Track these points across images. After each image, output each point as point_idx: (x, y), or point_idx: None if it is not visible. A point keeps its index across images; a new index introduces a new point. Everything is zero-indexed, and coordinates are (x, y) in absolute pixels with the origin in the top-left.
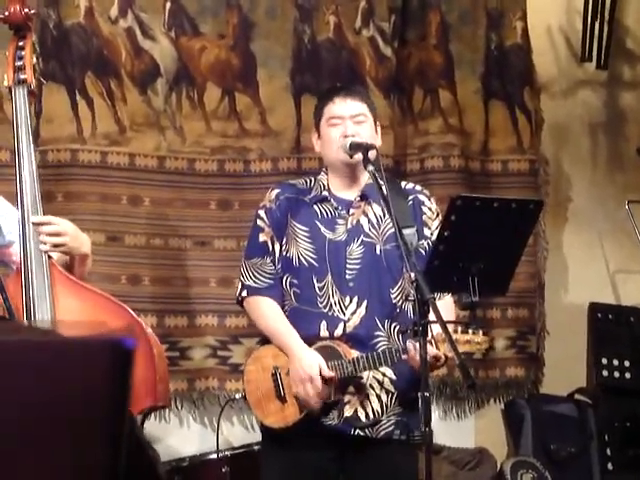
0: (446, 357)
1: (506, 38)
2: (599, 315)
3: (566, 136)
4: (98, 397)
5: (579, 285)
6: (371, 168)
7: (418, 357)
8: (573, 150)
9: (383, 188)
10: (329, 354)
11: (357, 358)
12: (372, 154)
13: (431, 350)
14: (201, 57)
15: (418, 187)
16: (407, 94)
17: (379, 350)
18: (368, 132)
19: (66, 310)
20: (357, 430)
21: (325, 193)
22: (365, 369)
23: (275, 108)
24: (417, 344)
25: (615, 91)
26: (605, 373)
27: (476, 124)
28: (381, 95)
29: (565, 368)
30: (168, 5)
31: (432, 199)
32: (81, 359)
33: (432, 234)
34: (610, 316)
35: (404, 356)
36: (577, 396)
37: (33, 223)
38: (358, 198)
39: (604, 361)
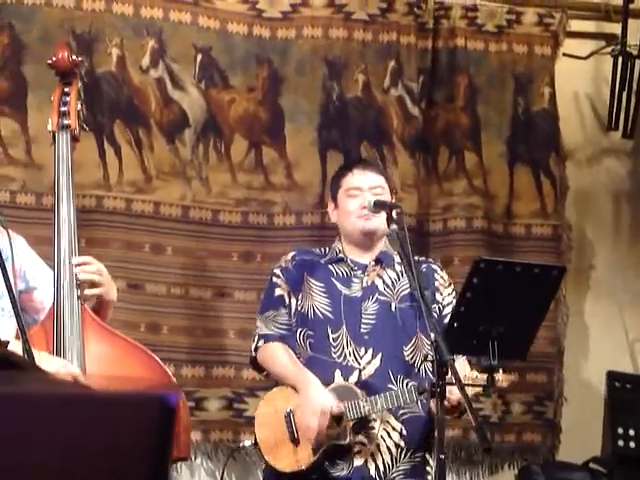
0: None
1: (533, 103)
2: (617, 384)
3: (590, 203)
4: (142, 451)
5: (598, 353)
6: (395, 227)
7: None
8: (596, 217)
9: (406, 246)
10: (345, 393)
11: (374, 398)
12: (395, 213)
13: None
14: (230, 109)
15: (430, 259)
16: (433, 154)
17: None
18: None
19: (96, 355)
20: None
21: (341, 255)
22: (383, 408)
23: (301, 162)
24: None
25: None
26: (621, 443)
27: (500, 187)
28: (407, 154)
29: (581, 435)
30: (199, 57)
31: (443, 270)
32: (127, 414)
33: (443, 299)
34: (628, 385)
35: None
36: (592, 465)
37: (75, 264)
38: (373, 262)
39: (620, 430)
